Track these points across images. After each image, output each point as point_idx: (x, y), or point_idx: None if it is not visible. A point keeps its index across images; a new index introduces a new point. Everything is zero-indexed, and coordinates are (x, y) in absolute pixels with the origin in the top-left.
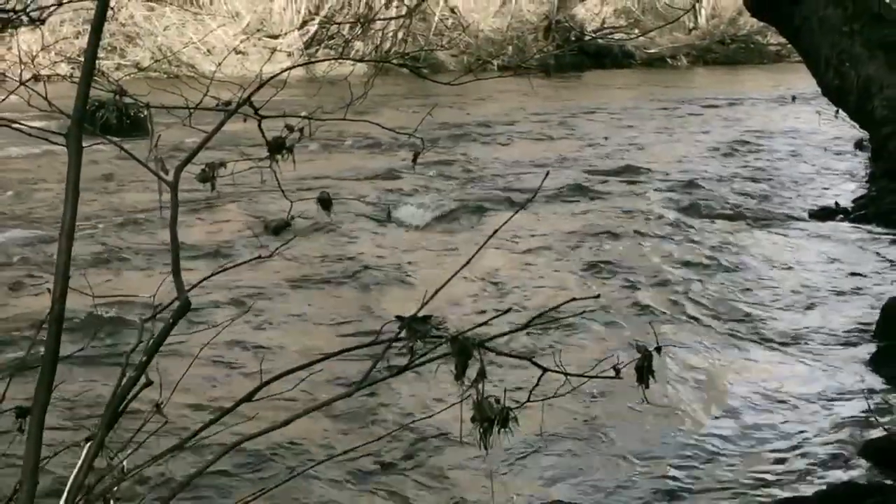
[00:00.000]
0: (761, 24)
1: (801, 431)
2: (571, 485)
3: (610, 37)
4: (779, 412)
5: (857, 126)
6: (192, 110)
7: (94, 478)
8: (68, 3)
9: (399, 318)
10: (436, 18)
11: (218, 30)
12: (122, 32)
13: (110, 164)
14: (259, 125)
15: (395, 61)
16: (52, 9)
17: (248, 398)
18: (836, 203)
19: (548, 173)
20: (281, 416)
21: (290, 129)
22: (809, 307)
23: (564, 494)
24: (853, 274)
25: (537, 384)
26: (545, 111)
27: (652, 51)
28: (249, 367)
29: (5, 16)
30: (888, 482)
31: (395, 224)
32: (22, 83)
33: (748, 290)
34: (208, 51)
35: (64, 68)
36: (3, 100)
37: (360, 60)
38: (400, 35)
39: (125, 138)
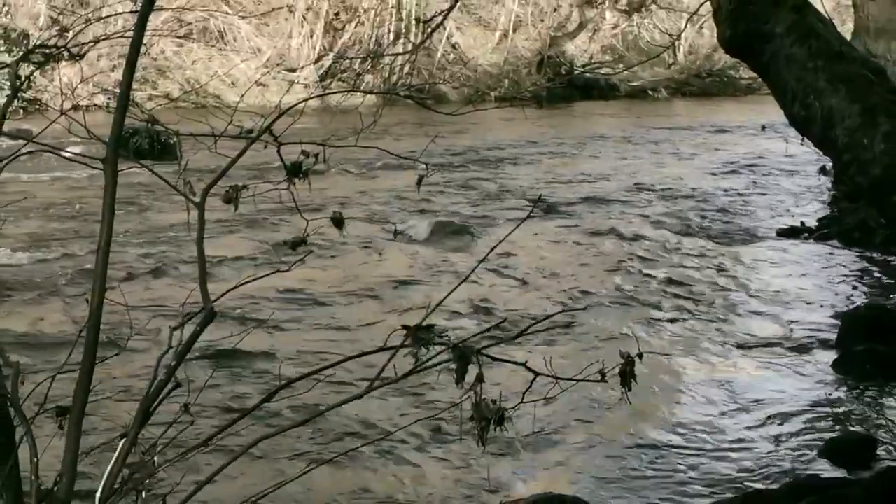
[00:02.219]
0: (734, 60)
1: (768, 430)
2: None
3: (597, 71)
4: (747, 412)
5: (821, 153)
6: (217, 137)
7: (127, 472)
8: (105, 39)
9: (405, 327)
10: (439, 54)
11: (241, 64)
12: (154, 66)
13: (143, 186)
14: (278, 151)
15: (401, 93)
16: (90, 45)
17: (268, 399)
18: (802, 222)
19: (541, 196)
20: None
21: (307, 154)
22: (776, 317)
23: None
24: (816, 287)
25: (530, 387)
26: (544, 138)
27: (635, 84)
28: (268, 371)
29: (48, 51)
30: (847, 476)
31: (403, 240)
32: (63, 112)
33: (721, 300)
34: (232, 83)
35: (101, 99)
36: (46, 128)
37: (370, 92)
38: (406, 69)
39: (157, 163)
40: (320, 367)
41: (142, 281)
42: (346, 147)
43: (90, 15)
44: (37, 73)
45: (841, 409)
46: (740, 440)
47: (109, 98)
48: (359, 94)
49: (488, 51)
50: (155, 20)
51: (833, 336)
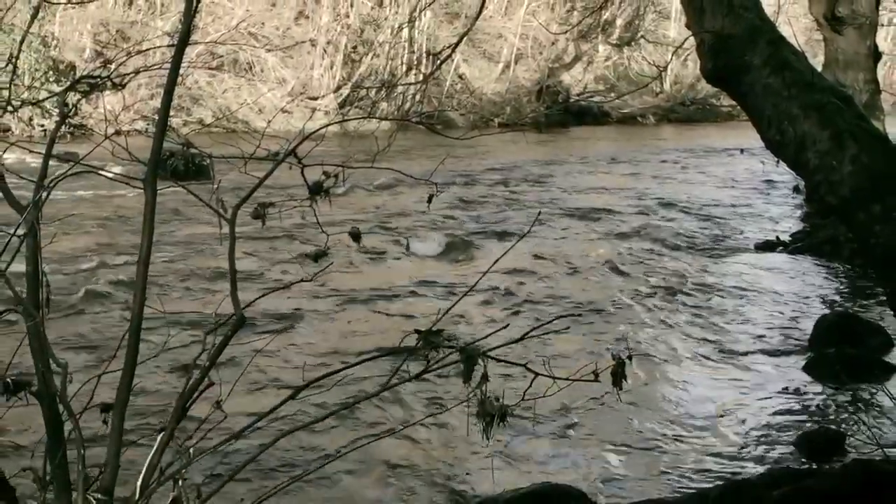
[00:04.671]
0: (715, 89)
1: (745, 425)
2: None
3: (591, 99)
4: (725, 409)
5: (795, 174)
6: (246, 159)
7: (165, 462)
8: (144, 70)
9: (417, 331)
10: (447, 84)
11: (268, 93)
12: (189, 95)
13: (179, 203)
14: (301, 172)
15: (413, 119)
16: (131, 75)
17: (293, 396)
18: (777, 237)
19: (540, 213)
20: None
21: (327, 175)
22: (754, 322)
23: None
24: (790, 295)
25: (530, 386)
26: (542, 160)
27: (625, 111)
28: (293, 370)
29: (93, 81)
30: (819, 467)
31: (415, 253)
32: (107, 137)
33: (703, 307)
34: (259, 110)
35: (141, 125)
36: (92, 151)
37: (385, 119)
38: (418, 97)
39: (191, 183)
40: (340, 367)
41: (178, 290)
42: (364, 168)
43: (131, 48)
44: (82, 101)
45: (813, 406)
46: (720, 434)
47: (148, 124)
48: (374, 120)
49: (492, 81)
50: (190, 53)
51: (806, 339)
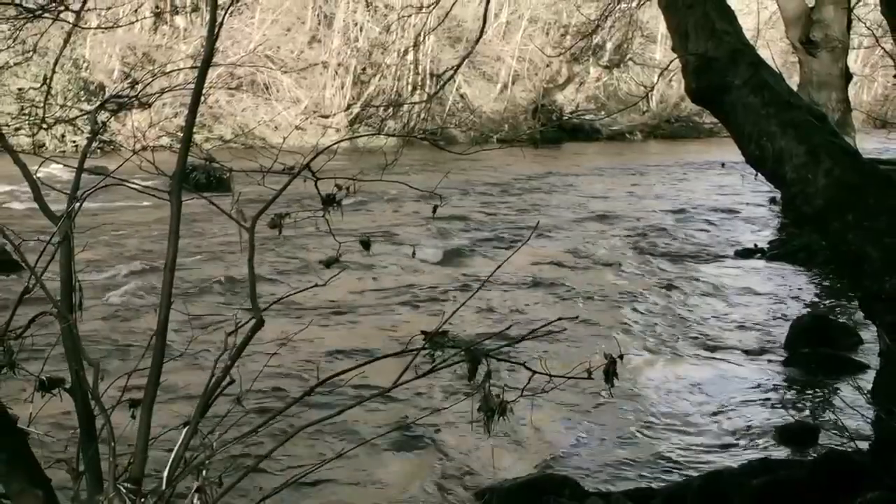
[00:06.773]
0: (699, 108)
1: (726, 419)
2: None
3: (583, 117)
4: (708, 404)
5: (772, 186)
6: (264, 173)
7: (189, 454)
8: (169, 91)
9: (423, 332)
10: (449, 103)
11: (283, 111)
12: (210, 113)
13: (202, 214)
14: (315, 185)
15: (418, 136)
16: (156, 95)
17: (308, 394)
18: (756, 245)
19: (538, 223)
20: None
21: (339, 187)
22: (734, 323)
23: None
24: (768, 298)
25: (528, 383)
26: (538, 173)
27: (615, 128)
28: (308, 369)
29: (121, 100)
30: (795, 458)
31: (421, 260)
32: (135, 152)
33: (688, 310)
34: (275, 127)
35: (165, 140)
36: (121, 165)
37: (392, 135)
38: (422, 115)
39: (213, 194)
40: (351, 366)
41: (201, 294)
42: (372, 181)
43: (156, 70)
44: (111, 119)
45: (789, 402)
46: (702, 428)
47: (172, 140)
48: (382, 136)
49: (491, 100)
50: (211, 74)
51: (782, 340)
